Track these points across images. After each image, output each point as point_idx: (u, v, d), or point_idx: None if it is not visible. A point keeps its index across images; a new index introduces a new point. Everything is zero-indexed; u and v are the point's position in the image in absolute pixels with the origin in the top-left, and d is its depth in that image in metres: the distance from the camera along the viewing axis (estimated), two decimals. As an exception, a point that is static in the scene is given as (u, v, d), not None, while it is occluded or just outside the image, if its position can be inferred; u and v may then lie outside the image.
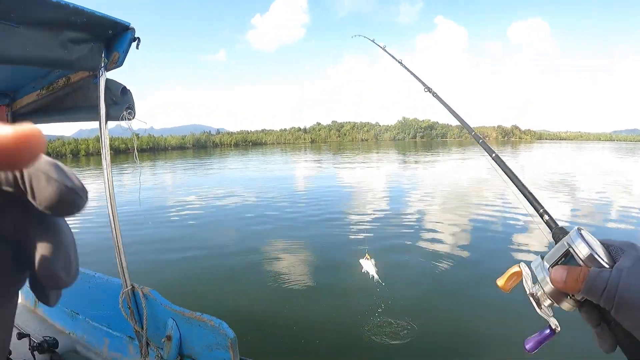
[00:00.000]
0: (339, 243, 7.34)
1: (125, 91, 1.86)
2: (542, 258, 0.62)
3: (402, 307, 4.36)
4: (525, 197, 0.84)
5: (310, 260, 6.39)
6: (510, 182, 0.90)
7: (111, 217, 1.91)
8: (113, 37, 1.85)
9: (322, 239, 7.64)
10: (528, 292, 0.63)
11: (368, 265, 4.07)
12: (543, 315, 0.61)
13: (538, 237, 7.01)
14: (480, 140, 1.21)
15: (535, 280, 0.62)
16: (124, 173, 25.71)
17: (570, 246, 0.58)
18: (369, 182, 16.64)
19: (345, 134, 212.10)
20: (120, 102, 1.85)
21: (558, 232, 0.69)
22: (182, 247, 7.39)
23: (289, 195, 13.64)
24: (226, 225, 9.28)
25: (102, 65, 1.87)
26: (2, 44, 1.49)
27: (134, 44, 1.84)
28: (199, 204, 12.34)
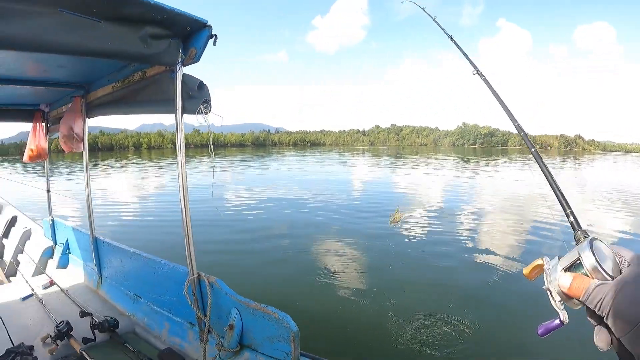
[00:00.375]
0: (397, 245, 7.41)
1: (202, 86, 1.92)
2: (559, 259, 0.70)
3: (457, 312, 4.38)
4: (556, 195, 0.88)
5: (368, 262, 6.49)
6: (545, 178, 0.95)
7: (183, 207, 1.98)
8: (191, 34, 1.91)
9: (380, 241, 7.72)
10: (544, 287, 0.71)
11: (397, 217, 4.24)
12: (555, 307, 0.69)
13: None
14: (523, 133, 1.18)
15: (550, 277, 0.71)
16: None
17: (580, 255, 0.65)
18: (427, 187, 16.44)
19: (404, 138, 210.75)
20: (197, 96, 1.91)
21: (579, 235, 0.74)
22: (246, 241, 7.72)
23: (347, 195, 13.78)
24: (287, 223, 9.53)
25: (180, 60, 1.94)
26: (87, 38, 1.57)
27: (210, 41, 1.90)
28: (261, 201, 12.70)
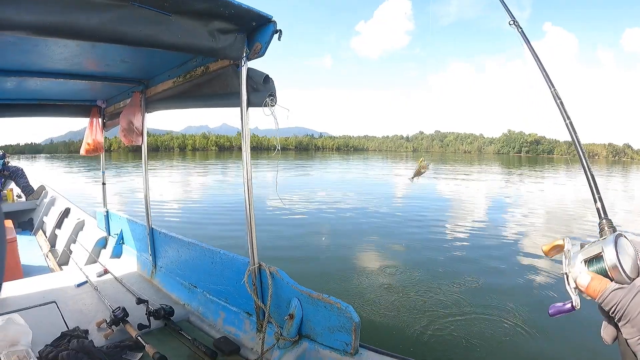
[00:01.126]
0: (451, 249, 7.42)
1: (267, 79, 1.96)
2: (581, 247, 0.70)
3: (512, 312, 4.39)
4: (587, 179, 0.86)
5: (423, 263, 6.49)
6: (581, 160, 0.93)
7: (247, 197, 2.03)
8: (256, 29, 1.96)
9: (432, 244, 7.80)
10: (563, 271, 0.71)
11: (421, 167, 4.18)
12: (569, 291, 0.70)
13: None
14: (568, 121, 1.14)
15: (569, 262, 0.70)
16: (228, 169, 27.31)
17: (602, 250, 0.65)
18: (470, 196, 16.13)
19: (448, 145, 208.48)
20: (262, 89, 1.96)
21: (603, 224, 0.74)
22: (303, 237, 8.03)
23: (389, 199, 13.73)
24: (341, 224, 9.69)
25: (245, 54, 1.99)
26: (158, 31, 1.63)
27: (275, 36, 1.94)
28: (308, 200, 13.08)
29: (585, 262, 0.67)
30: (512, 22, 1.42)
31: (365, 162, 49.20)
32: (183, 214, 10.29)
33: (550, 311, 0.74)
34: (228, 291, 2.52)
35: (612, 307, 0.61)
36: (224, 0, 1.71)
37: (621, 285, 0.62)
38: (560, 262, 0.73)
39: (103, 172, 4.55)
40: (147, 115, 3.17)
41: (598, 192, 0.83)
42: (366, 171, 31.25)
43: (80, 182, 20.17)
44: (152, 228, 3.34)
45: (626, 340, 0.62)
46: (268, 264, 2.18)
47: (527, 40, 1.27)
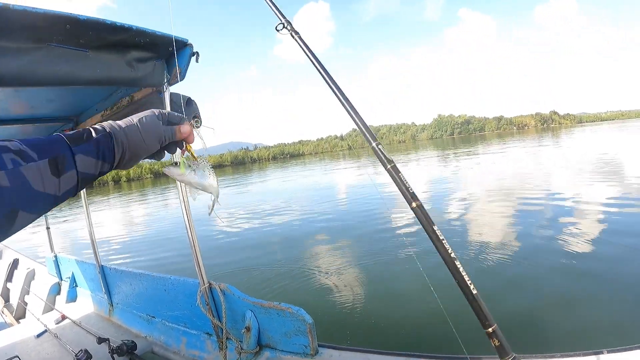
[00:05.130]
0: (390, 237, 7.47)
1: (190, 102, 1.99)
2: None
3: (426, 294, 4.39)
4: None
5: (364, 254, 6.55)
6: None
7: (187, 220, 2.05)
8: (173, 54, 1.99)
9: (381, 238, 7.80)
10: None
11: None
12: None
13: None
14: (375, 143, 1.22)
15: None
16: (168, 194, 26.66)
17: None
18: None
19: (382, 137, 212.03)
20: (186, 112, 1.98)
21: None
22: (249, 249, 7.90)
23: (334, 201, 13.79)
24: (284, 231, 9.62)
25: (166, 80, 2.02)
26: (77, 68, 1.64)
27: (193, 58, 1.98)
28: (249, 214, 12.86)
29: None
30: (283, 26, 1.36)
31: (303, 167, 49.24)
32: (131, 246, 10.00)
33: None
34: (185, 315, 2.52)
35: None
36: (138, 30, 1.73)
37: None
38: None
39: (45, 217, 4.38)
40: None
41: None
42: (304, 176, 31.22)
43: (24, 230, 19.09)
44: (102, 265, 3.27)
45: None
46: (217, 281, 2.20)
47: (305, 44, 1.26)
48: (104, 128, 0.72)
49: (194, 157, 0.99)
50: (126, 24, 1.69)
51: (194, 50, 1.95)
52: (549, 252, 5.49)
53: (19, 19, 1.34)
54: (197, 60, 1.98)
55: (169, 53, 1.98)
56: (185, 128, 0.93)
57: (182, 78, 2.02)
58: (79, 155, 0.65)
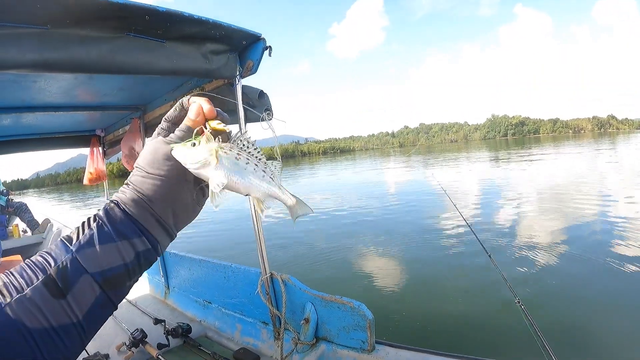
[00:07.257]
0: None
1: (262, 95, 2.03)
2: None
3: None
4: None
5: (426, 256, 6.50)
6: None
7: (253, 214, 2.10)
8: (247, 47, 2.04)
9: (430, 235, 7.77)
10: None
11: None
12: None
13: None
14: None
15: None
16: None
17: None
18: (462, 184, 16.09)
19: (433, 136, 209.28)
20: (258, 105, 2.03)
21: None
22: (310, 241, 8.07)
23: (387, 198, 13.74)
24: (346, 226, 9.68)
25: (238, 73, 2.07)
26: (153, 58, 1.70)
27: (266, 52, 2.01)
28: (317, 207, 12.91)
29: None
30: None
31: (353, 162, 48.90)
32: (191, 231, 10.34)
33: None
34: (242, 303, 2.58)
35: None
36: (214, 23, 1.78)
37: None
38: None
39: (107, 199, 4.59)
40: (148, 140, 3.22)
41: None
42: (356, 172, 31.04)
43: (85, 212, 20.18)
44: (163, 249, 3.40)
45: None
46: (279, 272, 2.24)
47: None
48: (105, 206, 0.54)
49: (224, 131, 0.55)
50: (203, 17, 1.74)
51: (267, 45, 1.99)
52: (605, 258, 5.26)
53: (100, 9, 1.41)
54: (269, 54, 2.01)
55: (243, 46, 2.03)
56: (194, 107, 0.55)
57: (255, 71, 2.06)
58: (81, 253, 0.49)
